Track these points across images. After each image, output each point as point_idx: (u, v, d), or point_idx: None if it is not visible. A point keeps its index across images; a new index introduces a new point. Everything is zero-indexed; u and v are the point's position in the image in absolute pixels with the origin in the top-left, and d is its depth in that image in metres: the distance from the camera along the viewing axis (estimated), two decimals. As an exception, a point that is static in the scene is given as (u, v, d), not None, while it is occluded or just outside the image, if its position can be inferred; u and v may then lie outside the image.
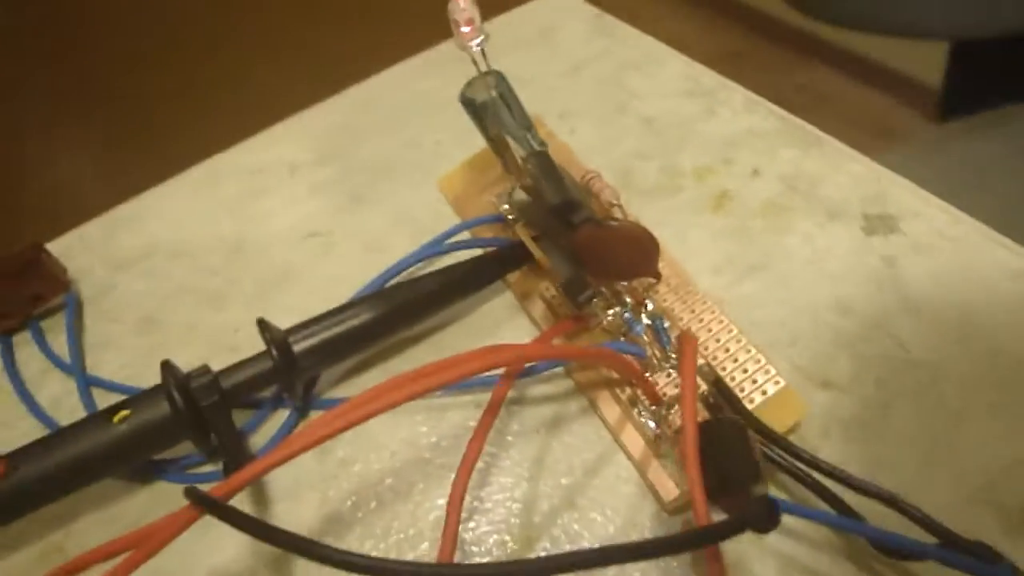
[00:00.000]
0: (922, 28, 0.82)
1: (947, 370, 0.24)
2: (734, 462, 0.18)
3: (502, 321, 0.28)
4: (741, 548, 0.21)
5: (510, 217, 0.29)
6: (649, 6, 1.35)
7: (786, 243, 0.28)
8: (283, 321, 0.26)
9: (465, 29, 0.24)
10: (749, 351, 0.24)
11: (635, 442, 0.24)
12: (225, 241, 0.33)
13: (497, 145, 0.29)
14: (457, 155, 0.33)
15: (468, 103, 0.28)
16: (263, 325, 0.25)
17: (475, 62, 0.26)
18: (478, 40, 0.25)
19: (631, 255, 0.24)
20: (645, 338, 0.25)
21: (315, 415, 0.27)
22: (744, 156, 0.31)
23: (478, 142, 0.29)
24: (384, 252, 0.31)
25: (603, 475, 0.24)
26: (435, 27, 0.41)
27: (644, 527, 0.23)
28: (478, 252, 0.29)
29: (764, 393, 0.23)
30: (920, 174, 0.30)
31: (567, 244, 0.24)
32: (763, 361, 0.24)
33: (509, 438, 0.25)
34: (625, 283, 0.26)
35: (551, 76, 0.38)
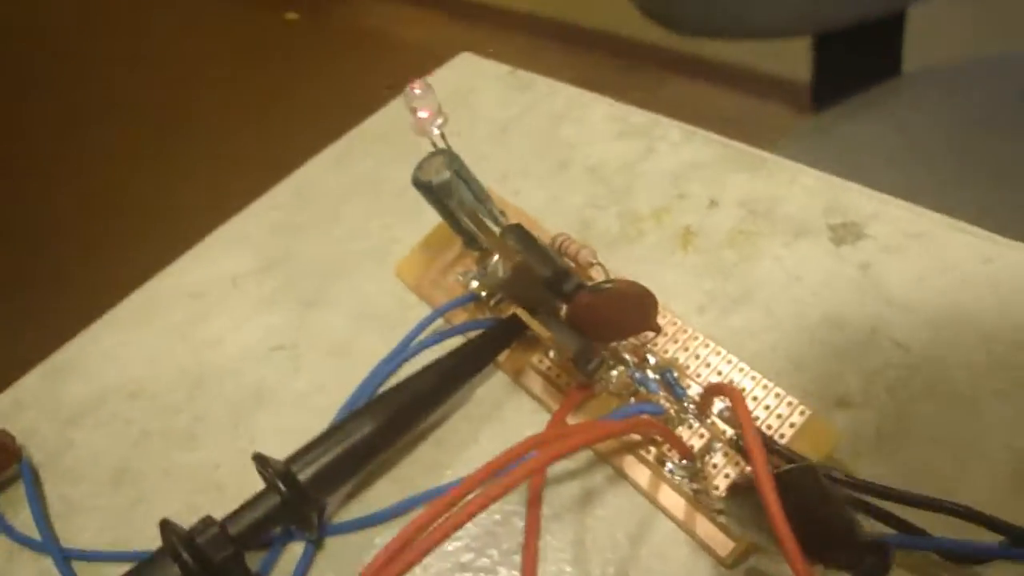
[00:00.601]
0: (784, 26, 0.86)
1: (950, 362, 0.25)
2: (823, 510, 0.17)
3: (502, 402, 0.27)
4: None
5: (483, 295, 0.29)
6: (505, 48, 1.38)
7: (761, 269, 0.28)
8: (269, 447, 0.24)
9: (423, 115, 0.24)
10: (766, 386, 0.24)
11: (675, 502, 0.23)
12: (184, 373, 0.31)
13: (458, 224, 0.28)
14: (408, 237, 0.33)
15: (424, 186, 0.27)
16: (261, 460, 0.24)
17: (435, 145, 0.25)
18: (438, 123, 0.24)
19: (631, 314, 0.24)
20: (661, 394, 0.24)
21: (331, 541, 0.25)
22: (696, 189, 0.32)
23: (428, 220, 0.29)
24: (353, 355, 0.30)
25: (650, 542, 0.23)
26: (348, 113, 0.41)
27: (707, 587, 0.22)
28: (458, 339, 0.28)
29: (793, 426, 0.23)
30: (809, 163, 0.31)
31: (564, 315, 0.24)
32: (783, 393, 0.24)
33: (542, 524, 0.24)
34: (623, 341, 0.25)
35: (480, 141, 0.37)
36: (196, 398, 0.30)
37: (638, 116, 0.36)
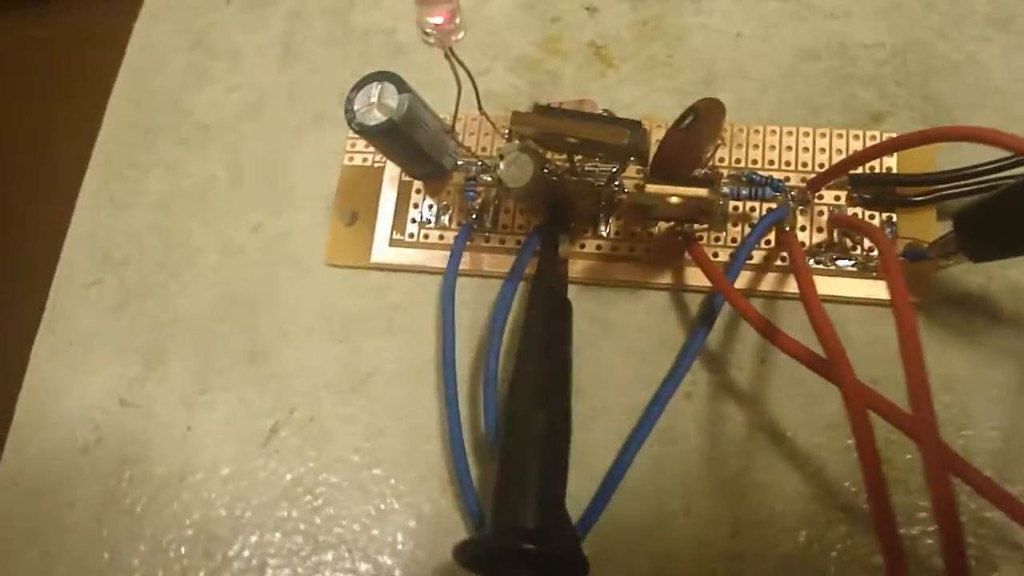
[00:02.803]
0: None
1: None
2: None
3: (602, 313, 0.23)
4: None
5: (478, 219, 0.23)
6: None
7: (697, 43, 0.26)
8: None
9: (436, 20, 0.17)
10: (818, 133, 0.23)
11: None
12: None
13: (418, 156, 0.22)
14: (298, 222, 0.25)
15: (382, 127, 0.21)
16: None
17: (453, 67, 0.18)
18: (459, 35, 0.18)
19: (710, 134, 0.21)
20: (778, 196, 0.22)
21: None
22: (562, 3, 0.28)
23: (296, 194, 0.25)
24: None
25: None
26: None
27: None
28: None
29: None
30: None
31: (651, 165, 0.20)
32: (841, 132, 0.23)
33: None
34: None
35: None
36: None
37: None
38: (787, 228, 0.22)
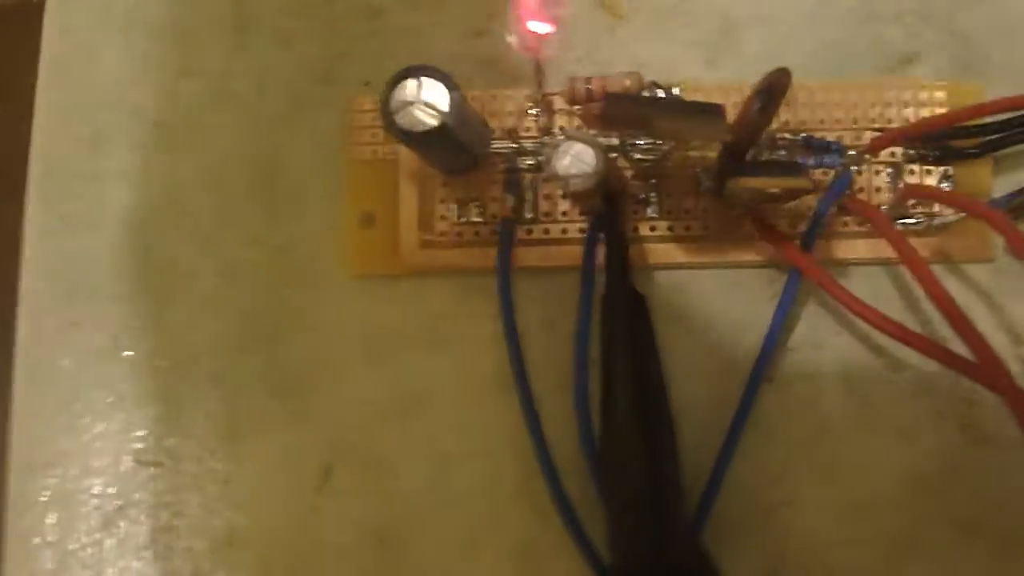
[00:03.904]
0: None
1: None
2: None
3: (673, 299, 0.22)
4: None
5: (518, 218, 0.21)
6: None
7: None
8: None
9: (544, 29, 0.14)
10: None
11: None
12: None
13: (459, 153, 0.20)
14: (309, 227, 0.23)
15: (432, 132, 0.18)
16: None
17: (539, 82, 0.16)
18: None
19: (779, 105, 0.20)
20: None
21: None
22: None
23: (300, 196, 0.23)
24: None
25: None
26: None
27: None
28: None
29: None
30: None
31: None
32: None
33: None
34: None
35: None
36: None
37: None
38: (848, 192, 0.21)
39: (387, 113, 0.18)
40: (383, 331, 0.22)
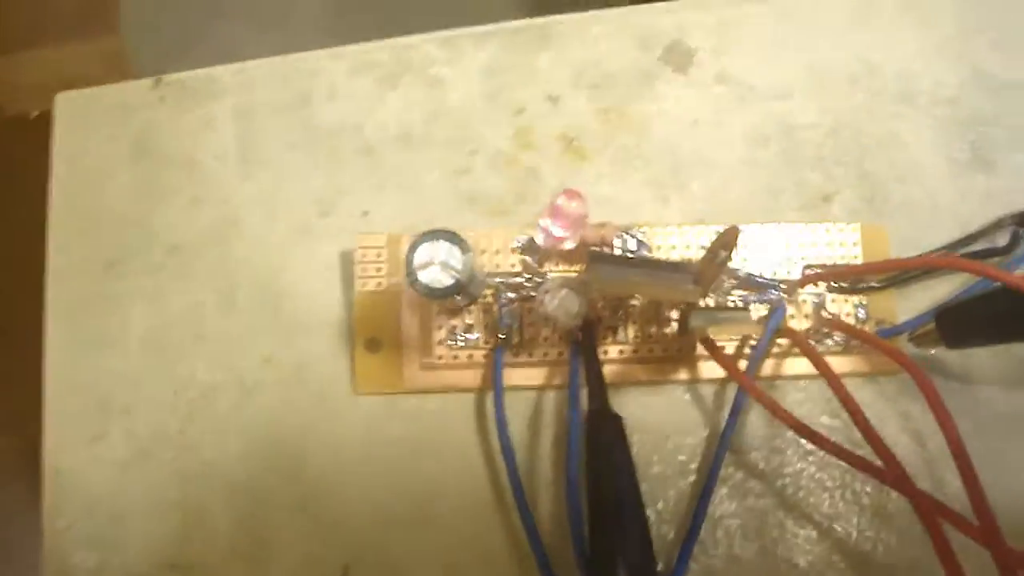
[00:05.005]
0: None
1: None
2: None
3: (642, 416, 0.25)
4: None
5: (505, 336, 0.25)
6: None
7: (663, 133, 0.28)
8: None
9: (561, 232, 0.18)
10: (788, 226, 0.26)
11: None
12: None
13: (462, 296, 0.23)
14: (314, 351, 0.25)
15: (448, 288, 0.21)
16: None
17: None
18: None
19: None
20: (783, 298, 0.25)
21: None
22: (520, 94, 0.29)
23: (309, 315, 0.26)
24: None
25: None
26: None
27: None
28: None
29: (856, 244, 0.26)
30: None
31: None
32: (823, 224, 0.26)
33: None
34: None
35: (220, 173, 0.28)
36: None
37: (379, 53, 0.29)
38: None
39: (410, 272, 0.21)
40: (391, 444, 0.25)
